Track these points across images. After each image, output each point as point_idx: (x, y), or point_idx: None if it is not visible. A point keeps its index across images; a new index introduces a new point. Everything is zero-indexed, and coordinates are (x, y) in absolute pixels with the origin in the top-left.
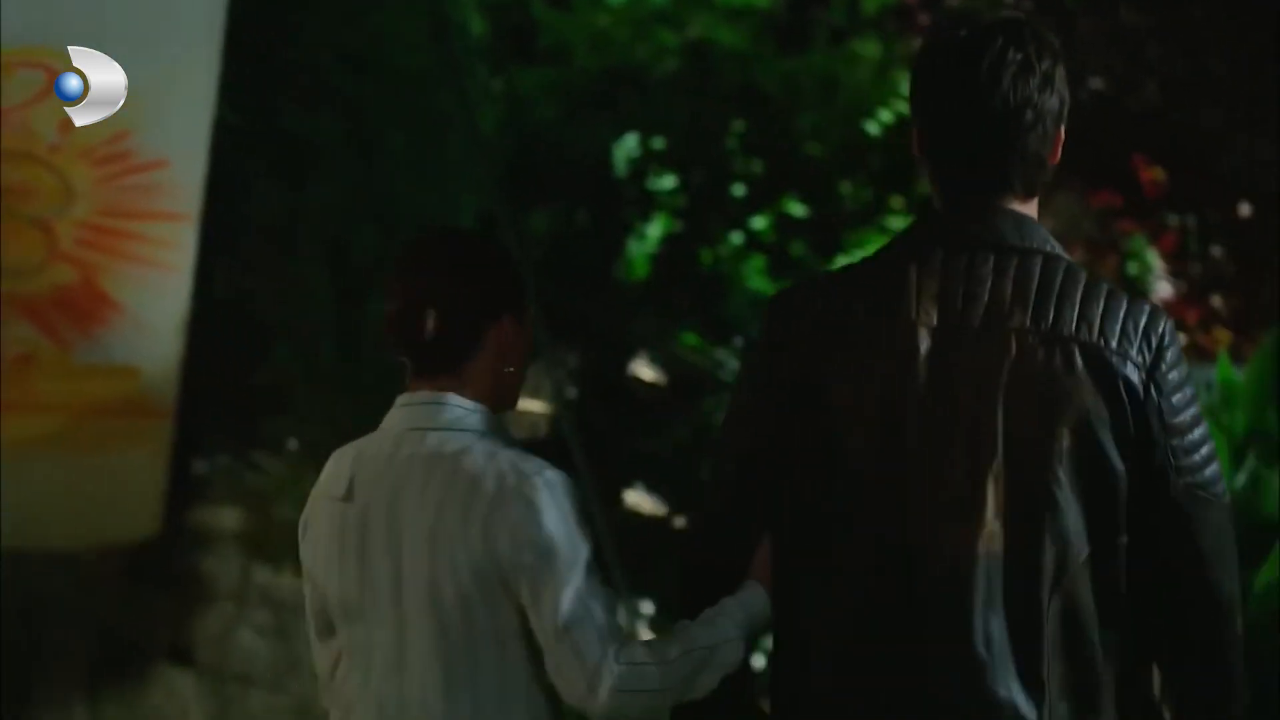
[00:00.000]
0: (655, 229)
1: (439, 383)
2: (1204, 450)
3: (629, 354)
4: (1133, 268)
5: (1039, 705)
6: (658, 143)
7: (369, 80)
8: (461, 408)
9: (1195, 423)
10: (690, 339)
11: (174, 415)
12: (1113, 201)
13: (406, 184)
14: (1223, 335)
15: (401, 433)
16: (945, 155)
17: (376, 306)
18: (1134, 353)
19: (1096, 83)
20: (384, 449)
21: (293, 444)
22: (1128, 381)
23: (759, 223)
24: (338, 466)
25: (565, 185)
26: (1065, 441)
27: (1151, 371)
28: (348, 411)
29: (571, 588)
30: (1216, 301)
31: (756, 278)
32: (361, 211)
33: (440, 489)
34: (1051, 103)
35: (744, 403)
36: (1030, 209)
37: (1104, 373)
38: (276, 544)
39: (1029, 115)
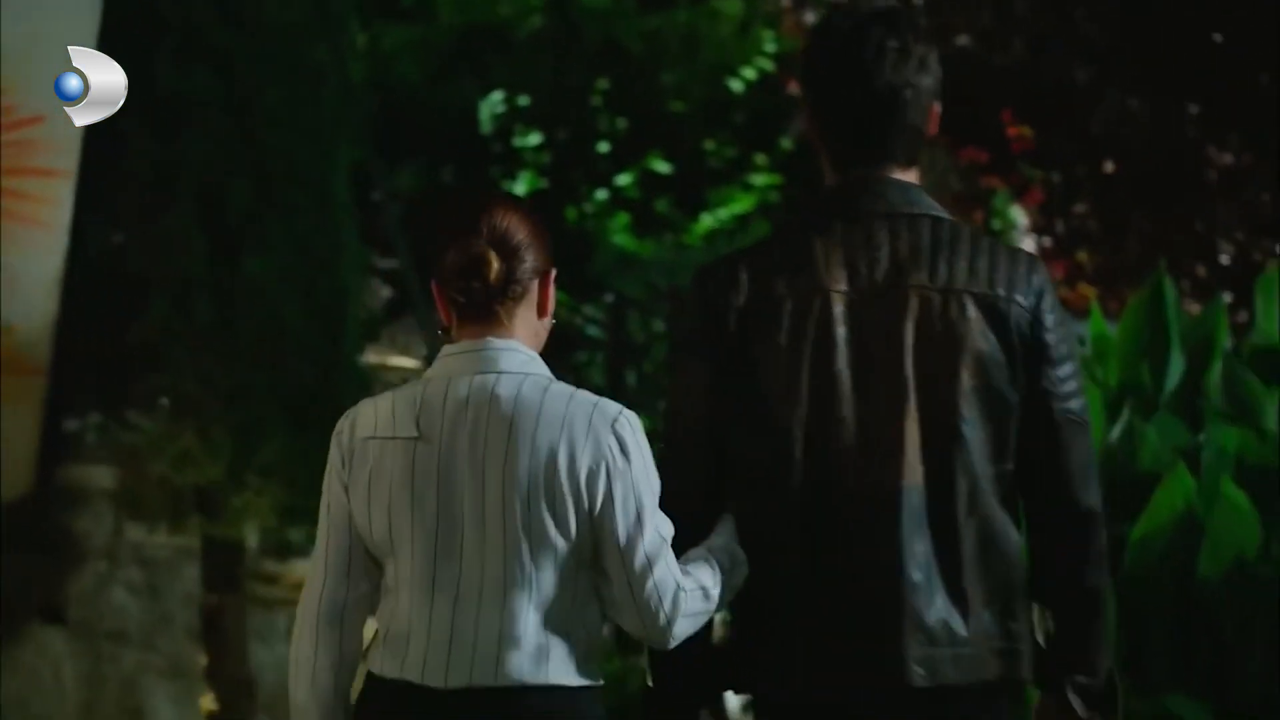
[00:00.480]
0: (521, 186)
1: (493, 330)
2: (1076, 382)
3: None
4: (997, 223)
5: (965, 616)
6: (523, 100)
7: (244, 35)
8: (524, 354)
9: (1070, 356)
10: (557, 296)
11: (47, 373)
12: (979, 157)
13: (281, 138)
14: (1088, 290)
15: (470, 377)
16: (836, 134)
17: (252, 263)
18: (1019, 296)
19: (964, 39)
20: (455, 392)
21: (166, 401)
22: (1016, 322)
23: (623, 180)
24: (391, 409)
25: (430, 142)
26: (967, 382)
27: (1035, 312)
28: (222, 368)
29: (652, 525)
30: (1082, 257)
31: (621, 234)
32: (237, 166)
33: (528, 428)
34: (927, 82)
35: (687, 387)
36: (912, 176)
37: (995, 317)
38: (149, 502)
39: (908, 94)
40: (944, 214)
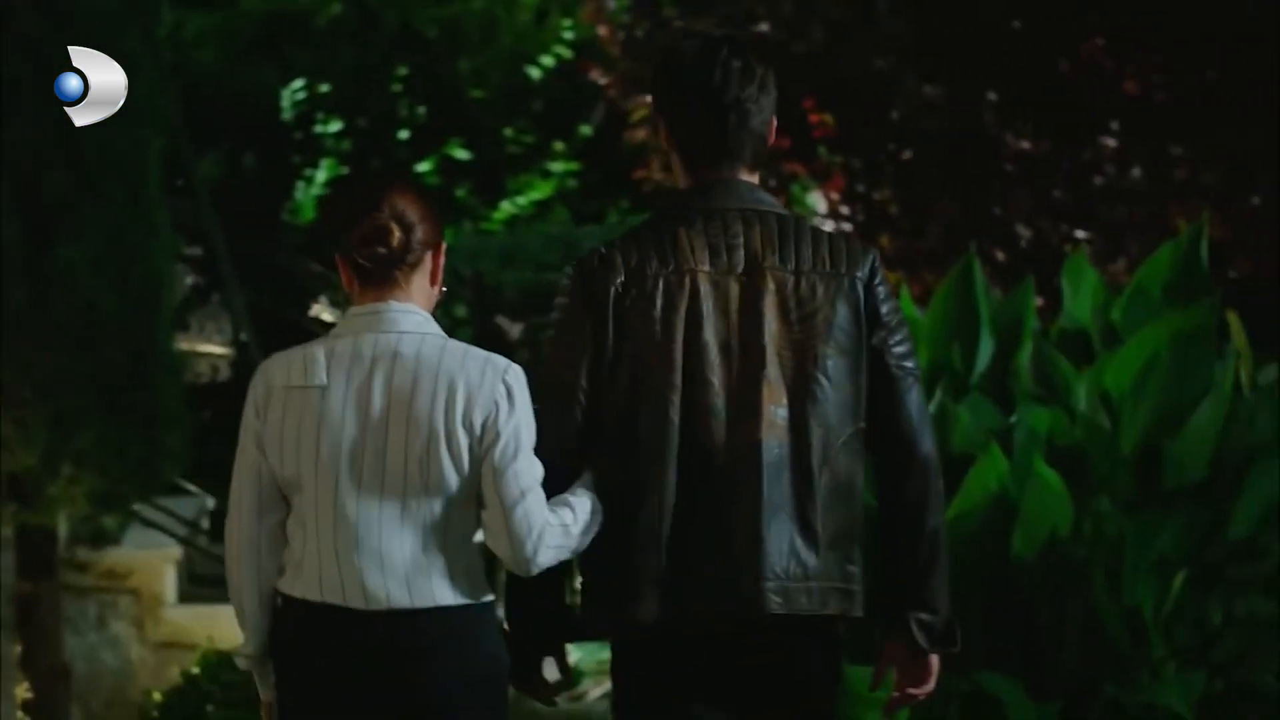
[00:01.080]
0: (322, 173)
1: (393, 294)
2: (909, 344)
3: (307, 296)
4: (796, 209)
5: (816, 550)
6: (323, 87)
7: (56, 21)
8: (421, 315)
9: (902, 323)
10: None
11: None
12: (780, 143)
13: (96, 126)
14: (890, 276)
15: (374, 335)
16: (690, 142)
17: (66, 250)
18: (858, 273)
19: (765, 27)
20: (360, 348)
21: None
22: (855, 294)
23: (423, 167)
24: (302, 361)
25: (232, 129)
26: (820, 349)
27: (869, 284)
28: (36, 355)
29: (526, 463)
30: (884, 242)
31: None
32: (52, 154)
33: (429, 380)
34: (767, 99)
35: (564, 360)
36: (755, 178)
37: (840, 292)
38: None
39: (752, 107)
40: (786, 211)
